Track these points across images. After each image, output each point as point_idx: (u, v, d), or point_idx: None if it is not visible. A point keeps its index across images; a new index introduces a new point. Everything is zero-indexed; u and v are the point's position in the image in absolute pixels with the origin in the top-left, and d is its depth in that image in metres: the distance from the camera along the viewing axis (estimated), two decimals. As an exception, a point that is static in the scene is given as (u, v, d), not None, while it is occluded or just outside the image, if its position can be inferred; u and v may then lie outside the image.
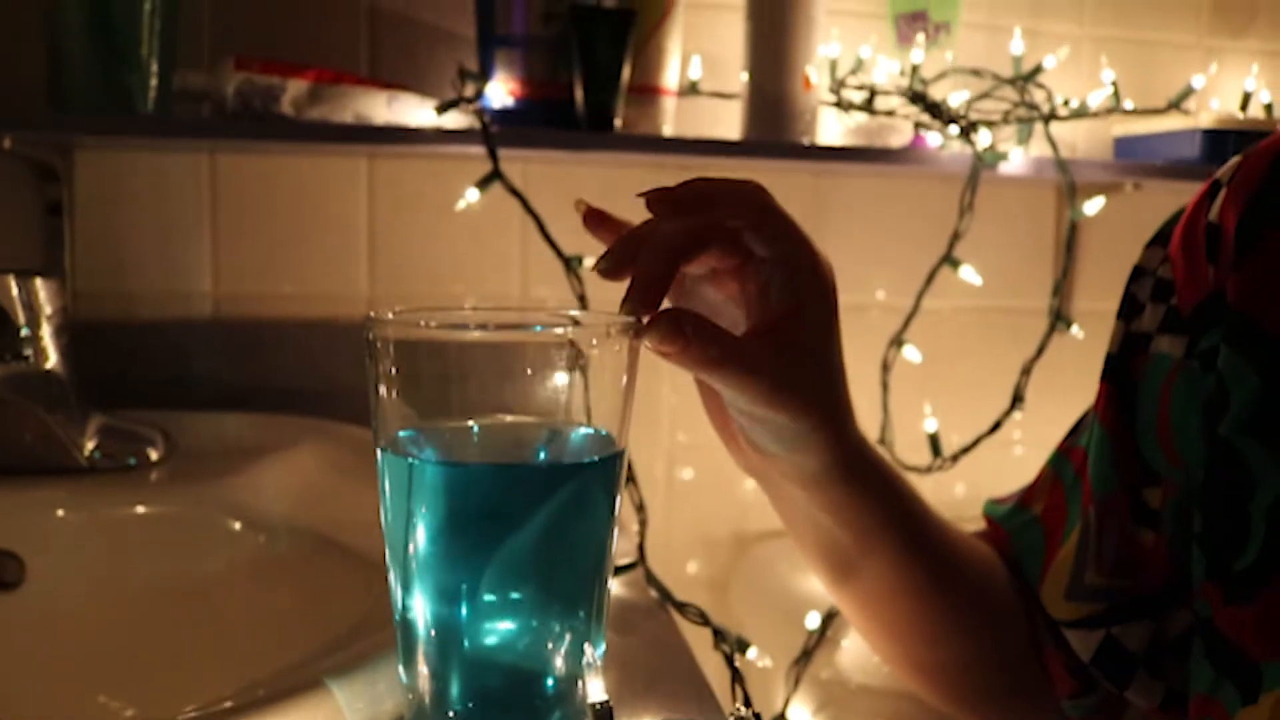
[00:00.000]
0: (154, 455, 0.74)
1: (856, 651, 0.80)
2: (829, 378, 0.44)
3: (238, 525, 0.70)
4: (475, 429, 0.40)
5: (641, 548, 0.66)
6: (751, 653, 0.61)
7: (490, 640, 0.39)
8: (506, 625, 0.39)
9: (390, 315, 0.40)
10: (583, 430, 0.40)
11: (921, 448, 1.00)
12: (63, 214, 0.78)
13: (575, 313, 0.43)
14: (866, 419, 0.97)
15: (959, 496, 1.08)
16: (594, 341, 0.38)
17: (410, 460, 0.39)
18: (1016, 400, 0.94)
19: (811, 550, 0.53)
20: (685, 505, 0.97)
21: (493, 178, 0.74)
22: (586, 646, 0.40)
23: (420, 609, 0.39)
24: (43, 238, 0.81)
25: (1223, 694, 0.45)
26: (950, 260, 0.88)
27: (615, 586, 0.63)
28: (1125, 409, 0.53)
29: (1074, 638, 0.54)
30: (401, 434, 0.39)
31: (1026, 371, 0.91)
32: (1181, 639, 0.52)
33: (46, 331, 0.69)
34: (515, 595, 0.39)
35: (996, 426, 0.94)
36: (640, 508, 0.68)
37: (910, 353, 0.94)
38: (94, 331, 0.78)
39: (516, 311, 0.46)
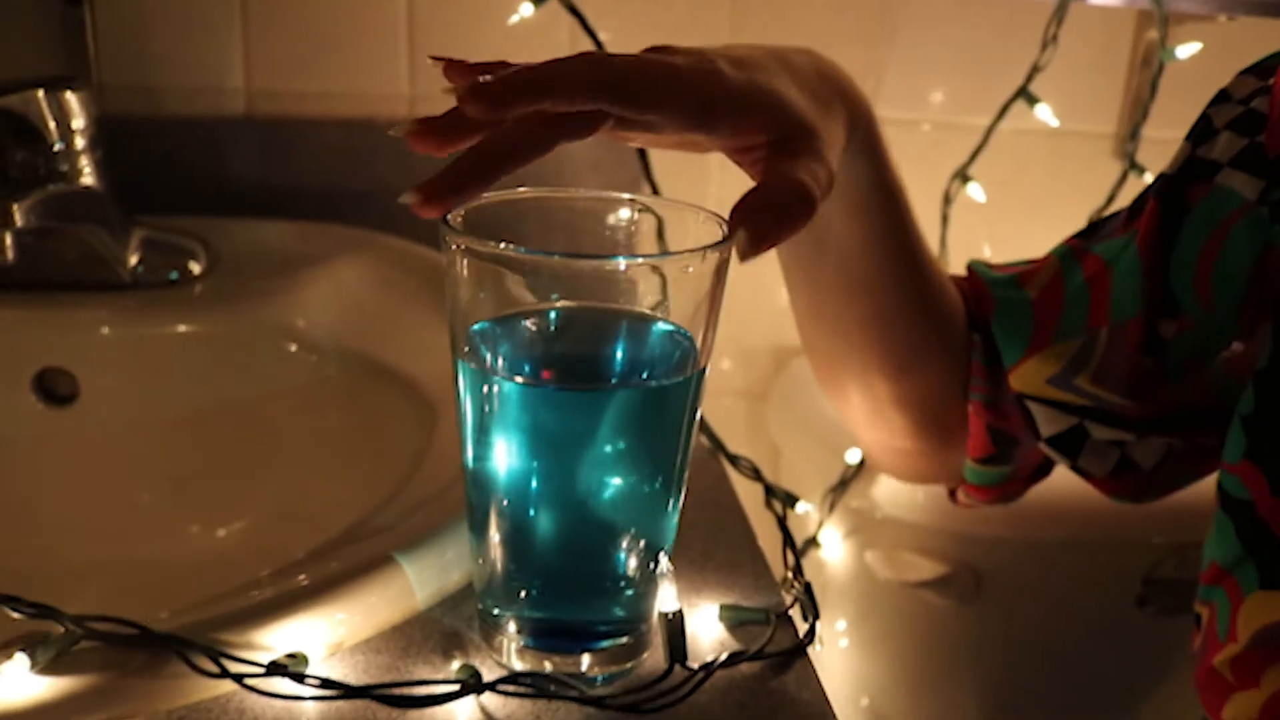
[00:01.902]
0: (196, 269, 0.73)
1: (888, 484, 0.82)
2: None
3: (290, 346, 0.70)
4: (553, 317, 0.39)
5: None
6: (801, 506, 0.62)
7: (562, 539, 0.40)
8: (579, 527, 0.40)
9: (461, 218, 0.38)
10: (663, 327, 0.39)
11: None
12: (81, 3, 0.73)
13: (652, 201, 0.42)
14: None
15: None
16: (685, 268, 0.37)
17: (483, 375, 0.38)
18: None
19: (805, 264, 0.53)
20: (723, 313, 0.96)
21: (548, -10, 0.68)
22: (661, 555, 0.41)
23: (494, 499, 0.39)
24: (62, 31, 0.76)
25: (1241, 572, 0.45)
26: (1026, 95, 0.83)
27: None
28: (1166, 232, 0.51)
29: (1040, 412, 0.56)
30: (476, 327, 0.38)
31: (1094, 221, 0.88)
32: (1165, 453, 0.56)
33: (81, 144, 0.66)
34: (588, 502, 0.39)
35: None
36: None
37: (974, 190, 0.90)
38: (124, 129, 0.75)
39: (591, 197, 0.43)
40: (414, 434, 0.59)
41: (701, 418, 0.64)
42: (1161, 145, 0.85)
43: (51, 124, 0.64)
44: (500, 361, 0.38)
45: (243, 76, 0.83)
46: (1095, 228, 0.58)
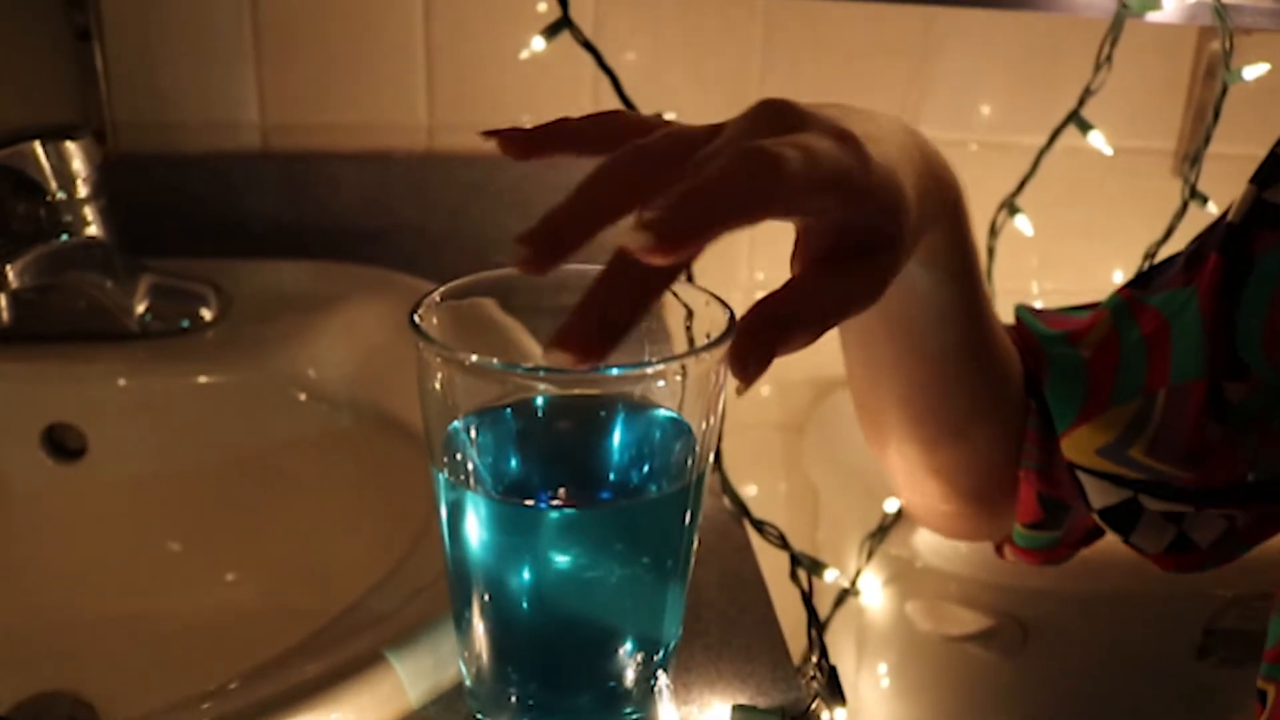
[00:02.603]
0: (207, 315, 0.72)
1: (929, 533, 0.78)
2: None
3: (301, 396, 0.69)
4: (539, 407, 0.38)
5: (718, 449, 0.62)
6: (829, 575, 0.58)
7: (549, 657, 0.38)
8: (566, 645, 0.38)
9: (436, 304, 0.37)
10: (662, 413, 0.37)
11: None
12: (92, 39, 0.72)
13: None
14: None
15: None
16: (682, 371, 0.34)
17: (461, 489, 0.36)
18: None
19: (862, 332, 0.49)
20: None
21: (561, 25, 0.65)
22: (660, 674, 0.38)
23: (476, 608, 0.37)
24: (74, 66, 0.74)
25: None
26: (1078, 120, 0.78)
27: None
28: (1231, 288, 0.47)
29: (1091, 484, 0.52)
30: (453, 426, 0.37)
31: (1150, 256, 0.83)
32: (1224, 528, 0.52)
33: (83, 193, 0.64)
34: (577, 620, 0.37)
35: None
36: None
37: (1021, 222, 0.85)
38: (136, 167, 0.74)
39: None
40: (426, 491, 0.57)
41: (725, 481, 0.61)
42: (1224, 162, 0.81)
43: (51, 175, 0.62)
44: (479, 474, 0.37)
45: (258, 110, 0.82)
46: (1150, 275, 0.54)
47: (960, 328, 0.47)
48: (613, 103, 0.67)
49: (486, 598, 0.37)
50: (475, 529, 0.36)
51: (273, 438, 0.68)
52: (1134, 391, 0.50)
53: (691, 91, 0.88)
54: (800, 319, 0.32)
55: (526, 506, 0.36)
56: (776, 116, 0.33)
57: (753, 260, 0.94)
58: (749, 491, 1.00)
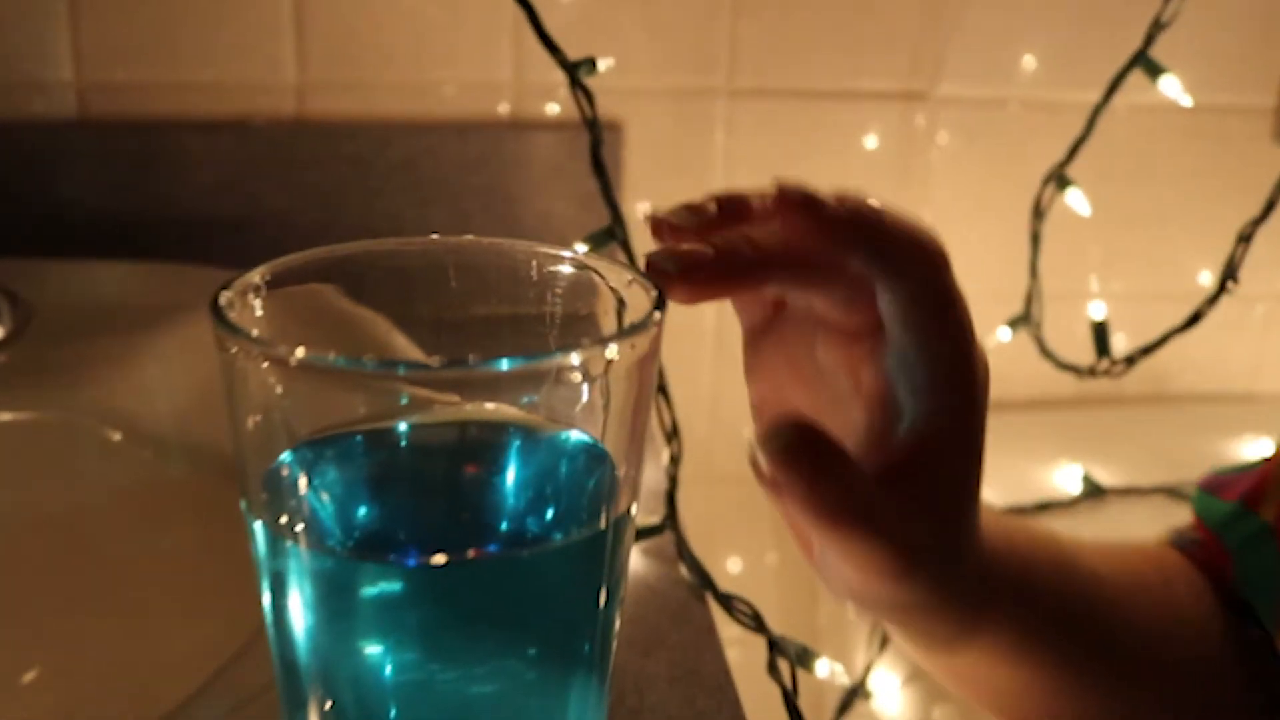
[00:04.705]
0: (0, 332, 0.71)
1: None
2: (966, 539, 0.42)
3: (117, 437, 0.68)
4: (402, 431, 0.36)
5: (672, 499, 0.61)
6: (821, 667, 0.57)
7: None
8: None
9: (257, 289, 0.37)
10: (574, 437, 0.36)
11: (1080, 339, 0.92)
12: None
13: (585, 258, 0.40)
14: (1000, 283, 0.97)
15: (1136, 415, 1.02)
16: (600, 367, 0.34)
17: (288, 544, 0.35)
18: (1228, 277, 0.84)
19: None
20: (736, 418, 0.94)
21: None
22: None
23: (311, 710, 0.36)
24: None
25: None
26: (1146, 63, 0.78)
27: (635, 559, 0.61)
28: None
29: None
30: (285, 455, 0.35)
31: (1246, 239, 0.82)
32: None
33: None
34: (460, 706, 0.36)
35: (1195, 319, 0.85)
36: (673, 434, 0.62)
37: (1075, 198, 0.85)
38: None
39: (490, 244, 0.40)
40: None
41: (681, 541, 0.60)
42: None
43: None
44: (316, 522, 0.35)
45: (71, 66, 0.82)
46: None
47: (1058, 655, 0.48)
48: (537, 49, 0.66)
49: (328, 706, 0.35)
50: (310, 603, 0.34)
51: (81, 494, 0.67)
52: None
53: (641, 38, 0.88)
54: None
55: (385, 565, 0.35)
56: None
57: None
58: (731, 566, 0.99)
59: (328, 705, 0.36)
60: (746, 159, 0.94)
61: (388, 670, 0.35)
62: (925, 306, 0.39)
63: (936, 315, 0.39)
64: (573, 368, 0.33)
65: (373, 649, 0.35)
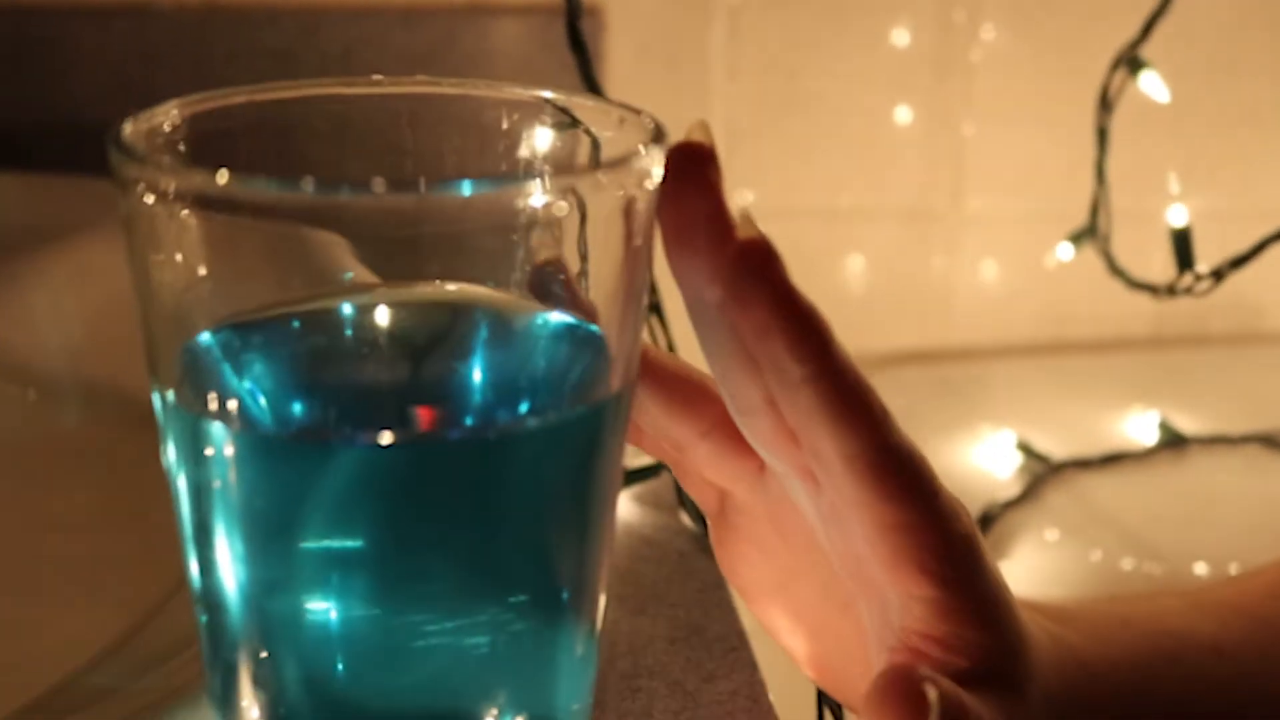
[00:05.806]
0: None
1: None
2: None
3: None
4: (347, 314, 0.38)
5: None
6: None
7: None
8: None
9: (175, 120, 0.37)
10: (554, 320, 0.38)
11: (1160, 250, 0.92)
12: None
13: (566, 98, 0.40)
14: (1059, 201, 0.98)
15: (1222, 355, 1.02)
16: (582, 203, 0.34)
17: (206, 422, 0.35)
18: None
19: None
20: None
21: None
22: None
23: (239, 649, 0.36)
24: None
25: None
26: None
27: (627, 507, 0.61)
28: None
29: None
30: (203, 338, 0.36)
31: None
32: None
33: None
34: (410, 664, 0.36)
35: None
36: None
37: (1150, 83, 0.83)
38: None
39: (445, 84, 0.40)
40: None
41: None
42: None
43: None
44: (239, 398, 0.36)
45: None
46: None
47: None
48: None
49: (251, 624, 0.36)
50: (234, 495, 0.35)
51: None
52: None
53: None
54: None
55: (324, 446, 0.35)
56: None
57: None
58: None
59: (262, 654, 0.36)
60: (750, 54, 0.94)
61: (332, 615, 0.35)
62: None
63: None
64: (549, 201, 0.33)
65: (309, 574, 0.35)
